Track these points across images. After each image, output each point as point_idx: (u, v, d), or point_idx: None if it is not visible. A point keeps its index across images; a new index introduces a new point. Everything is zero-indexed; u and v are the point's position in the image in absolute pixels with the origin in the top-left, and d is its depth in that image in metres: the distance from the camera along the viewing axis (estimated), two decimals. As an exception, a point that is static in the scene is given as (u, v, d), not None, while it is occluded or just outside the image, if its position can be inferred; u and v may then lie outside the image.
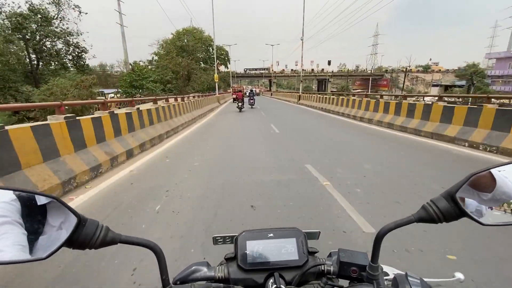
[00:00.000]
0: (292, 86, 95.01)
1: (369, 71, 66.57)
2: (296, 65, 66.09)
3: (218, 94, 22.88)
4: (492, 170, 0.35)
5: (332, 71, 64.38)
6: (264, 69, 68.19)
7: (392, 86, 57.32)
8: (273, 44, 44.39)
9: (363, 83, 70.46)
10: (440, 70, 71.16)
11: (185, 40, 36.45)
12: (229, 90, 38.48)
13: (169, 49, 33.42)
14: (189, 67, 31.97)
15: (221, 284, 0.43)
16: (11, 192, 0.30)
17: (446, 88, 48.33)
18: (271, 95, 41.05)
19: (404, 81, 48.59)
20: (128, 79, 21.27)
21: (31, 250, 0.30)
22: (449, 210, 0.36)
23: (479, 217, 0.36)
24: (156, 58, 34.17)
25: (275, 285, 0.40)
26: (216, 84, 20.98)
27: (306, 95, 20.44)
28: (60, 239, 0.31)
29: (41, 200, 0.31)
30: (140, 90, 20.97)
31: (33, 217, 0.31)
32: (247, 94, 18.43)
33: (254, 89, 22.27)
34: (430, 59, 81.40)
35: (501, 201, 0.35)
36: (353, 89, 56.10)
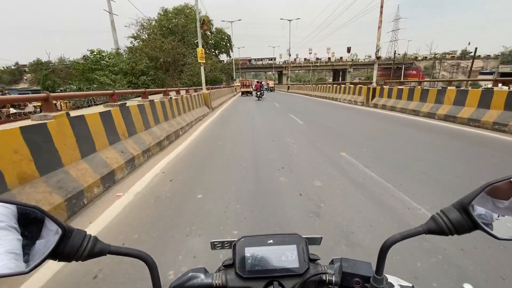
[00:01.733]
0: (301, 78, 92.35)
1: (392, 59, 62.96)
2: (310, 53, 63.42)
3: (213, 88, 16.22)
4: None
5: (352, 60, 61.20)
6: (271, 59, 65.82)
7: (422, 76, 53.31)
8: (290, 19, 39.29)
9: (385, 73, 66.83)
10: (479, 56, 66.10)
11: (174, 20, 31.12)
12: (236, 84, 37.89)
13: (153, 31, 28.11)
14: (175, 51, 26.34)
15: None
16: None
17: (503, 75, 43.47)
18: (288, 89, 36.39)
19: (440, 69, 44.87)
20: (81, 70, 18.63)
21: (25, 257, 0.31)
22: (461, 222, 0.36)
23: (492, 229, 0.36)
24: (136, 43, 29.37)
25: None
26: (202, 69, 12.09)
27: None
28: (45, 252, 0.31)
29: (27, 211, 0.32)
30: (93, 85, 17.98)
31: (30, 223, 0.32)
32: (253, 88, 22.87)
33: (263, 83, 25.03)
34: (469, 43, 75.77)
35: None
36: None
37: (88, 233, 0.36)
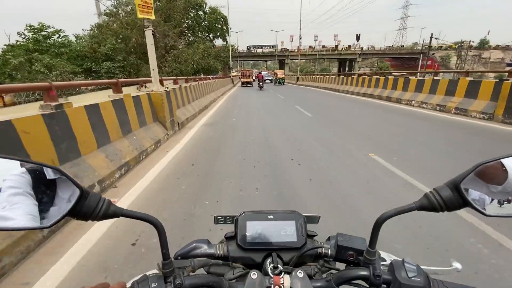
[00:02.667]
0: (303, 68, 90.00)
1: (404, 49, 60.60)
2: (316, 39, 61.03)
3: (200, 80, 12.45)
4: (503, 160, 0.38)
5: (362, 49, 58.91)
6: (272, 46, 63.49)
7: (438, 67, 51.20)
8: None
9: (395, 63, 64.67)
10: (498, 46, 63.51)
11: None
12: (233, 74, 36.31)
13: (131, 8, 22.78)
14: (156, 30, 23.91)
15: (220, 261, 0.52)
16: (21, 164, 0.36)
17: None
18: (297, 80, 31.73)
19: (460, 60, 42.88)
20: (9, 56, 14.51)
21: (46, 213, 0.36)
22: (452, 199, 0.40)
23: (482, 207, 0.39)
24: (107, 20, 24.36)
25: (273, 265, 0.47)
26: (148, 35, 4.87)
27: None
28: (64, 210, 0.37)
29: (49, 174, 0.37)
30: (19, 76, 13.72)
31: (43, 189, 0.37)
32: (254, 78, 25.49)
33: (265, 73, 27.67)
34: (489, 32, 72.95)
35: None
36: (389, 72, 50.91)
37: (102, 196, 0.40)
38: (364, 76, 14.68)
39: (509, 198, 0.39)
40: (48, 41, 17.21)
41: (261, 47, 63.09)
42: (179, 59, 25.59)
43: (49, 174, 0.37)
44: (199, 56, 27.50)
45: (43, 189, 0.37)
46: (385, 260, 0.50)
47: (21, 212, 0.35)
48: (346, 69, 72.38)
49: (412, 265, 0.42)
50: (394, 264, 0.43)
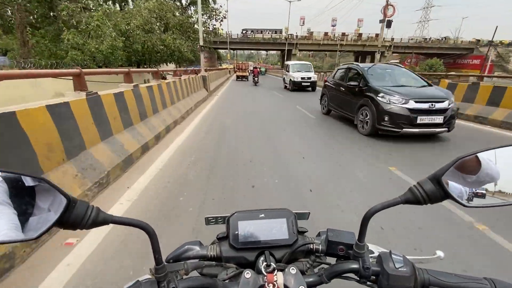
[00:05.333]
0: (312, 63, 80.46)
1: (440, 41, 51.97)
2: (334, 25, 51.24)
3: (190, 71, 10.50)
4: (479, 154, 0.45)
5: (393, 39, 49.65)
6: (275, 31, 53.27)
7: (492, 67, 42.45)
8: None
9: (423, 61, 56.37)
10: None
11: None
12: (224, 66, 37.64)
13: None
14: None
15: (213, 262, 0.56)
16: None
17: None
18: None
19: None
20: None
21: (22, 230, 0.38)
22: (434, 192, 0.46)
23: (462, 199, 0.46)
24: None
25: (266, 263, 0.52)
26: None
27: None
28: (50, 220, 0.38)
29: (28, 182, 0.39)
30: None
31: (22, 198, 0.38)
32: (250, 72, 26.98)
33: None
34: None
35: (485, 183, 0.46)
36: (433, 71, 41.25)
37: (91, 204, 0.43)
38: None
39: (483, 190, 0.46)
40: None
41: (261, 31, 52.78)
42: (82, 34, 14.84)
43: (28, 182, 0.39)
44: (142, 26, 16.24)
45: (22, 198, 0.38)
46: (373, 253, 0.56)
47: (2, 222, 0.35)
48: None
49: (398, 256, 0.48)
50: (382, 256, 0.49)
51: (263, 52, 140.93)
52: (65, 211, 0.39)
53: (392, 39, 52.23)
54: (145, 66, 18.78)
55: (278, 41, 50.49)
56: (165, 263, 0.49)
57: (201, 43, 12.06)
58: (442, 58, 49.96)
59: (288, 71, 15.96)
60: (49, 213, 0.39)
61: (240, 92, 13.96)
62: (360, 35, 52.04)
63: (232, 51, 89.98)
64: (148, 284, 0.45)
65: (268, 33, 53.20)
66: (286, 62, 17.98)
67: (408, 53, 54.17)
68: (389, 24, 55.82)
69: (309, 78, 14.94)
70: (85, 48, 14.88)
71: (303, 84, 14.95)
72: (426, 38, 55.88)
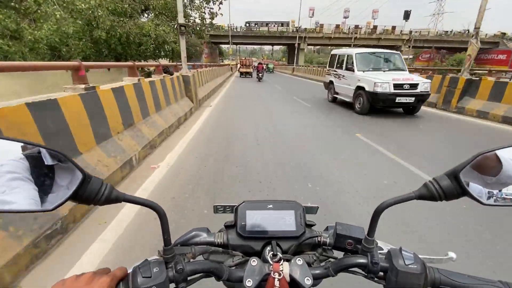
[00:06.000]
0: (310, 59, 75.41)
1: (462, 35, 47.20)
2: (346, 17, 46.65)
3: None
4: (498, 152, 0.43)
5: (411, 32, 45.11)
6: (282, 24, 48.85)
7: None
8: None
9: (436, 56, 51.79)
10: None
11: None
12: (226, 63, 35.99)
13: None
14: None
15: (220, 249, 0.57)
16: (19, 150, 0.39)
17: None
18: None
19: None
20: None
21: (49, 196, 0.40)
22: (451, 188, 0.44)
23: (481, 197, 0.44)
24: None
25: (272, 252, 0.52)
26: None
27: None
28: (67, 194, 0.40)
29: (48, 160, 0.41)
30: None
31: (42, 175, 0.40)
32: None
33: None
34: None
35: (507, 185, 0.43)
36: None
37: (105, 182, 0.45)
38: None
39: (504, 189, 0.44)
40: None
41: (266, 24, 48.44)
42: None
43: (47, 160, 0.40)
44: (108, 4, 11.83)
45: (42, 174, 0.40)
46: (382, 249, 0.54)
47: (22, 196, 0.37)
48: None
49: (409, 253, 0.47)
50: (391, 252, 0.48)
51: (266, 48, 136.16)
52: (80, 186, 0.40)
53: (410, 31, 47.71)
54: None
55: (285, 34, 46.23)
56: (173, 246, 0.50)
57: (180, 20, 6.68)
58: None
59: (352, 69, 8.07)
60: (67, 190, 0.40)
61: (247, 98, 10.16)
62: (375, 27, 47.71)
63: (234, 46, 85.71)
64: (156, 263, 0.46)
65: (274, 26, 49.15)
66: (339, 51, 9.43)
67: (427, 48, 49.47)
68: (407, 16, 51.00)
69: (414, 85, 6.88)
70: (23, 35, 10.51)
71: (400, 100, 6.86)
72: (447, 31, 51.06)
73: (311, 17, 46.59)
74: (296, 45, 42.23)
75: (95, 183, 0.42)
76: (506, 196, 0.44)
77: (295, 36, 46.85)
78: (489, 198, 0.44)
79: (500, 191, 0.44)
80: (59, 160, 0.41)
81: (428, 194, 0.46)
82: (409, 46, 46.46)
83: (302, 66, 35.97)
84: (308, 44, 48.67)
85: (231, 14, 38.45)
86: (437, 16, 78.17)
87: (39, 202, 0.39)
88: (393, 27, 47.88)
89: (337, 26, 47.24)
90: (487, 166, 0.44)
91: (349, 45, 52.91)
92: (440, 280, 0.44)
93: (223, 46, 71.34)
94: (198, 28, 17.96)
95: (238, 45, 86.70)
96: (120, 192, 0.45)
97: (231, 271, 0.50)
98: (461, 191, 0.44)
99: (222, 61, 53.23)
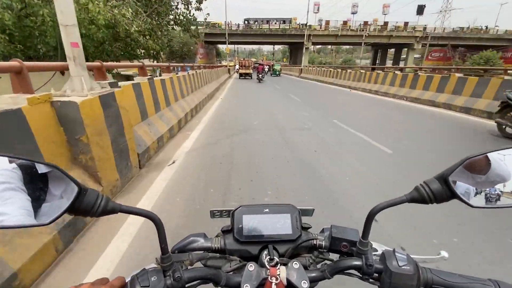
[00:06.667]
0: (312, 59, 71.08)
1: (485, 31, 43.24)
2: (354, 12, 42.63)
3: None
4: (489, 154, 0.44)
5: (425, 28, 41.17)
6: (284, 21, 44.90)
7: None
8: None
9: (445, 55, 48.01)
10: None
11: None
12: (224, 64, 35.34)
13: None
14: None
15: (217, 254, 0.57)
16: (12, 160, 0.38)
17: None
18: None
19: None
20: None
21: (35, 216, 0.39)
22: (441, 191, 0.46)
23: (469, 199, 0.46)
24: None
25: (269, 257, 0.53)
26: None
27: None
28: (62, 207, 0.39)
29: (41, 169, 0.40)
30: None
31: (35, 185, 0.40)
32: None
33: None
34: None
35: (495, 183, 0.45)
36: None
37: (100, 193, 0.44)
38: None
39: (493, 190, 0.45)
40: None
41: (267, 21, 44.27)
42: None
43: (41, 169, 0.40)
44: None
45: (35, 185, 0.39)
46: (376, 251, 0.55)
47: (15, 207, 0.36)
48: (390, 61, 54.46)
49: (402, 254, 0.48)
50: (385, 253, 0.49)
51: (265, 48, 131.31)
52: (76, 198, 0.40)
53: (425, 28, 43.65)
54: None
55: (288, 32, 41.97)
56: (170, 253, 0.49)
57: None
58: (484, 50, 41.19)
59: None
60: (62, 199, 0.40)
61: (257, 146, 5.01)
62: (385, 24, 43.42)
63: (232, 46, 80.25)
64: (154, 272, 0.46)
65: (275, 23, 44.83)
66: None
67: (442, 46, 45.42)
68: (421, 10, 46.65)
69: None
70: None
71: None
72: (463, 27, 47.03)
73: (316, 12, 42.37)
74: (304, 42, 38.08)
75: (91, 195, 0.42)
76: (493, 195, 0.45)
77: (299, 34, 42.72)
78: (476, 195, 0.46)
79: (489, 190, 0.45)
80: (53, 175, 0.40)
81: (419, 197, 0.47)
82: (426, 44, 42.42)
83: (312, 66, 31.85)
84: (313, 43, 44.49)
85: (228, 12, 34.27)
86: (444, 13, 74.20)
87: (32, 214, 0.38)
88: (406, 23, 43.75)
89: (345, 22, 43.05)
90: (476, 166, 0.44)
91: (358, 44, 48.86)
92: (432, 280, 0.46)
93: (221, 46, 66.88)
94: (183, 18, 13.56)
95: (236, 45, 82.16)
96: (116, 203, 0.45)
97: (229, 276, 0.51)
98: (450, 194, 0.45)
99: (220, 62, 48.99)
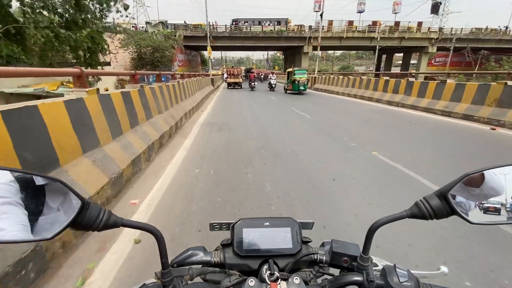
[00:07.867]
0: (309, 65, 64.91)
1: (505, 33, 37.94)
2: (361, 11, 36.30)
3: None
4: (486, 172, 0.45)
5: (441, 29, 35.41)
6: (278, 22, 38.39)
7: None
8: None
9: (458, 59, 42.92)
10: None
11: None
12: (213, 72, 29.35)
13: None
14: None
15: (217, 269, 0.56)
16: (9, 173, 0.38)
17: None
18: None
19: None
20: None
21: (32, 230, 0.38)
22: (440, 208, 0.46)
23: (468, 215, 0.46)
24: None
25: (269, 271, 0.52)
26: None
27: None
28: (61, 220, 0.39)
29: (38, 181, 0.39)
30: None
31: (33, 198, 0.39)
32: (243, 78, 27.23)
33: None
34: None
35: (489, 196, 0.46)
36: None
37: (103, 207, 0.44)
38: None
39: (489, 205, 0.46)
40: None
41: (259, 22, 37.62)
42: None
43: (39, 181, 0.39)
44: None
45: (33, 198, 0.39)
46: (377, 265, 0.55)
47: (11, 222, 0.36)
48: (394, 67, 48.84)
49: (403, 270, 0.48)
50: (386, 269, 0.49)
51: (255, 56, 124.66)
52: (79, 213, 0.39)
53: (440, 29, 37.90)
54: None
55: (284, 34, 35.29)
56: (171, 268, 0.49)
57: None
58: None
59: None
60: (59, 212, 0.39)
61: None
62: (397, 24, 37.35)
63: (219, 53, 72.36)
64: (154, 287, 0.46)
65: (269, 24, 38.15)
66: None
67: (460, 49, 39.69)
68: (435, 9, 40.42)
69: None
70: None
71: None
72: (481, 28, 41.65)
73: (317, 11, 35.87)
74: (304, 45, 31.46)
75: (93, 210, 0.42)
76: (492, 211, 0.45)
77: (298, 37, 36.10)
78: (476, 216, 0.45)
79: (487, 205, 0.46)
80: (57, 189, 0.40)
81: (419, 213, 0.47)
82: (445, 47, 36.59)
83: (329, 74, 24.93)
84: (313, 47, 37.99)
85: (216, 14, 27.50)
86: (441, 16, 69.88)
87: (29, 229, 0.37)
88: (419, 23, 37.94)
89: (350, 22, 36.78)
90: (472, 182, 0.45)
91: (365, 48, 42.76)
92: None
93: (205, 53, 59.69)
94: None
95: (223, 52, 74.96)
96: (118, 217, 0.45)
97: None
98: (450, 211, 0.45)
99: (207, 71, 41.88)
